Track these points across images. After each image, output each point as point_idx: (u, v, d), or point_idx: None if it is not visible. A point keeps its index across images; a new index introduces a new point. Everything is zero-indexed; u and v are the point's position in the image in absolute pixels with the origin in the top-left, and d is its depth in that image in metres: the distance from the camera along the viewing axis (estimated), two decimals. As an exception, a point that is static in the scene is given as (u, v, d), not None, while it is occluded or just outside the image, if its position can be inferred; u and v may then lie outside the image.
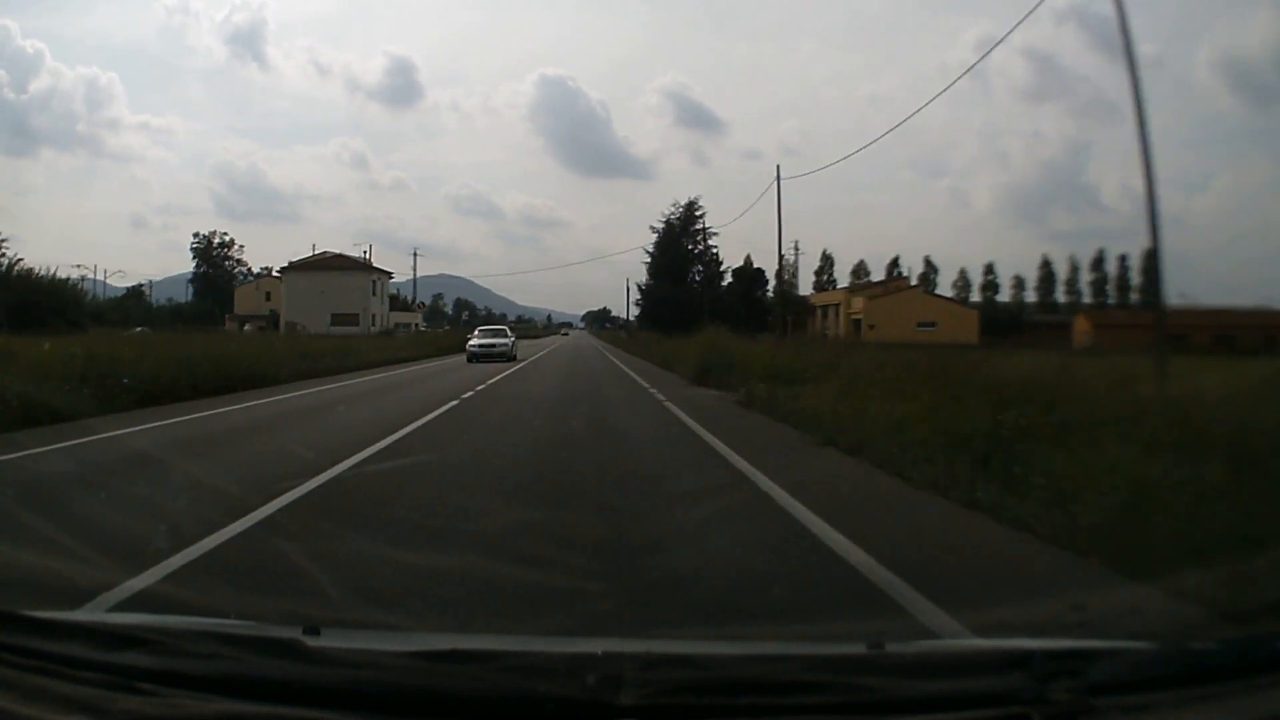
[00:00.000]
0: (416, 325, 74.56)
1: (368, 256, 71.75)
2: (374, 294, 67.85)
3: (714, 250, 71.91)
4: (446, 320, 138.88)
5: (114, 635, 1.54)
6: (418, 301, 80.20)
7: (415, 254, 79.61)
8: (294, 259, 70.07)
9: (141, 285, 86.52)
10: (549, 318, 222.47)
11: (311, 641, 1.53)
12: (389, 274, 73.41)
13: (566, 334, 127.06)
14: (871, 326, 54.12)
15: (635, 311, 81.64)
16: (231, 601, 3.68)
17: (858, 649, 1.64)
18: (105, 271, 78.78)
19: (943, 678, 1.46)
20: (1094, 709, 1.29)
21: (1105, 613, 3.65)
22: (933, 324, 54.13)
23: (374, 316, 65.02)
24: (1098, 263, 73.38)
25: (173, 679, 1.36)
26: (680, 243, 70.66)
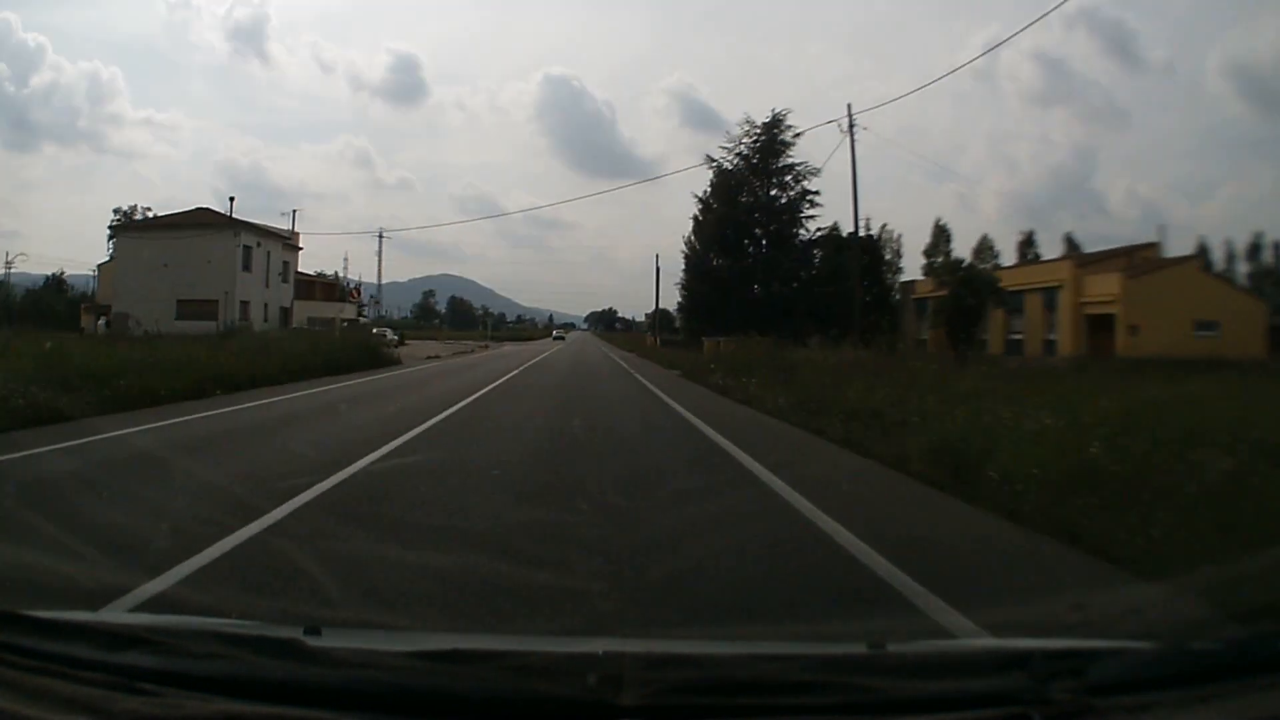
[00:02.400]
0: (341, 320, 50.79)
1: (260, 221, 47.75)
2: (247, 268, 42.95)
3: (811, 198, 44.59)
4: (438, 319, 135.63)
5: (115, 635, 1.54)
6: (352, 287, 60.11)
7: (381, 235, 65.19)
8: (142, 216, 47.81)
9: (58, 273, 71.86)
10: (550, 318, 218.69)
11: (312, 641, 1.54)
12: (284, 237, 49.10)
13: (561, 337, 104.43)
14: (1133, 329, 32.13)
15: (660, 305, 65.73)
16: None
17: (858, 649, 1.65)
18: (6, 256, 66.74)
19: (943, 678, 1.46)
20: (1094, 709, 1.29)
21: (1105, 613, 3.65)
22: (1213, 325, 33.53)
23: (245, 305, 42.20)
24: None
25: (174, 679, 1.36)
26: (754, 191, 45.56)
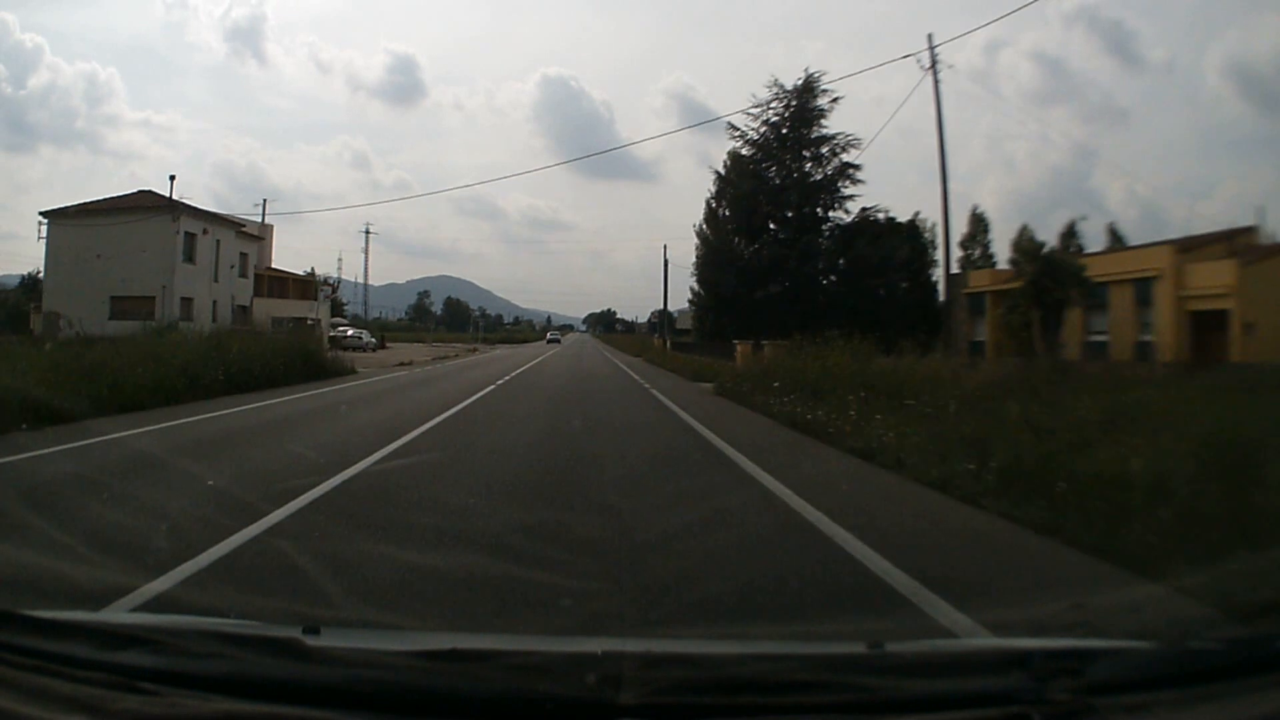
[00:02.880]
0: (310, 320, 43.04)
1: (205, 203, 43.27)
2: (190, 259, 36.61)
3: (851, 172, 37.51)
4: (434, 321, 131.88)
5: (114, 635, 1.54)
6: (326, 284, 52.30)
7: (368, 231, 61.90)
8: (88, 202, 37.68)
9: (33, 273, 60.86)
10: (549, 319, 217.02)
11: (311, 641, 1.54)
12: (239, 225, 42.31)
13: (556, 339, 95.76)
14: (1248, 328, 26.26)
15: (666, 308, 60.62)
16: None
17: (858, 649, 1.65)
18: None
19: (943, 677, 1.47)
20: (1094, 709, 1.29)
21: (1105, 612, 3.65)
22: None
23: (188, 302, 35.28)
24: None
25: (173, 678, 1.36)
26: (785, 166, 37.99)
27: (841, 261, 37.22)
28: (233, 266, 41.07)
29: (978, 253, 47.68)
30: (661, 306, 64.20)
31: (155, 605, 3.57)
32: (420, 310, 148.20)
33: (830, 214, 38.38)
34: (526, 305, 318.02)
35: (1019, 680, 1.34)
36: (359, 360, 29.00)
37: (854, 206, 38.12)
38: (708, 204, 43.89)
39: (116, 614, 3.18)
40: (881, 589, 3.98)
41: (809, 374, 13.90)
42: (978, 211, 52.90)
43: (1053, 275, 27.56)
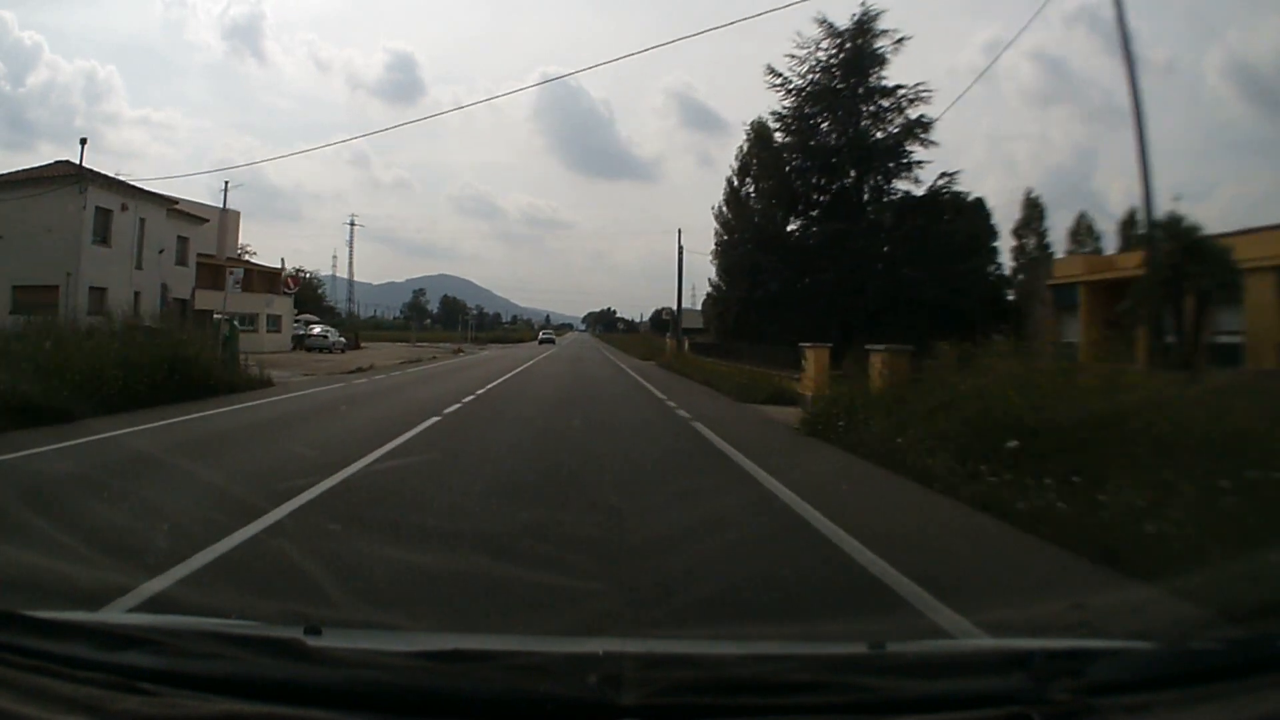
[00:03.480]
0: (269, 315, 40.42)
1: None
2: (103, 240, 29.97)
3: (921, 135, 29.66)
4: (430, 319, 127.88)
5: (114, 635, 1.54)
6: (293, 275, 47.58)
7: (352, 223, 56.15)
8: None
9: None
10: (547, 318, 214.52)
11: (312, 641, 1.54)
12: (171, 202, 33.90)
13: (550, 340, 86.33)
14: None
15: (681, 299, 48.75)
16: None
17: (858, 649, 1.65)
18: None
19: (943, 678, 1.47)
20: (1094, 709, 1.29)
21: (1105, 613, 3.65)
22: None
23: (102, 292, 27.87)
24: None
25: (174, 679, 1.36)
26: (839, 123, 30.29)
27: (910, 241, 28.58)
28: (162, 250, 33.18)
29: (1033, 241, 41.81)
30: (673, 304, 56.41)
31: None
32: (416, 308, 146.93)
33: (892, 185, 30.26)
34: (526, 304, 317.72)
35: (1019, 680, 1.34)
36: (315, 365, 24.88)
37: (921, 176, 30.14)
38: (729, 181, 37.45)
39: (117, 614, 3.18)
40: None
41: (1011, 414, 6.99)
42: (1031, 196, 46.26)
43: (1198, 259, 21.73)
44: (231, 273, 25.68)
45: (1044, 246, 40.30)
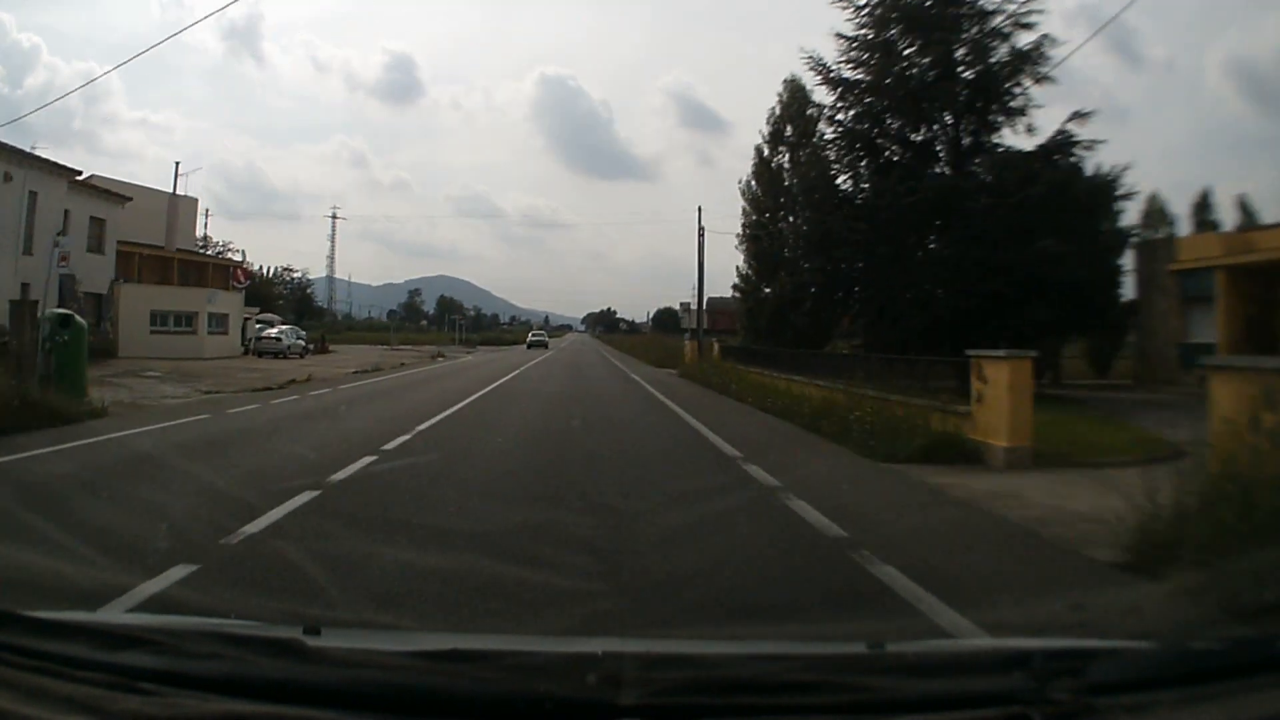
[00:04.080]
0: (210, 313, 34.49)
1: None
2: None
3: (1034, 67, 18.80)
4: (426, 321, 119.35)
5: (115, 635, 1.54)
6: (233, 269, 41.85)
7: (334, 216, 50.34)
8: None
9: None
10: (546, 319, 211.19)
11: (312, 641, 1.54)
12: (74, 173, 28.76)
13: (541, 342, 71.47)
14: None
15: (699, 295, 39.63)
16: None
17: (858, 649, 1.65)
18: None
19: (943, 677, 1.47)
20: (1094, 709, 1.29)
21: (1105, 612, 3.65)
22: None
23: (22, 285, 21.58)
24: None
25: (173, 679, 1.36)
26: (926, 51, 19.77)
27: (1044, 206, 18.35)
28: (60, 233, 23.03)
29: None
30: (674, 304, 51.01)
31: None
32: (412, 309, 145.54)
33: (998, 133, 20.41)
34: (525, 305, 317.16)
35: (1019, 680, 1.34)
36: (240, 376, 20.84)
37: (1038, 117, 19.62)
38: (757, 151, 31.30)
39: (117, 614, 3.18)
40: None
41: None
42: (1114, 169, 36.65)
43: None
44: (57, 244, 17.49)
45: (1151, 226, 31.79)
